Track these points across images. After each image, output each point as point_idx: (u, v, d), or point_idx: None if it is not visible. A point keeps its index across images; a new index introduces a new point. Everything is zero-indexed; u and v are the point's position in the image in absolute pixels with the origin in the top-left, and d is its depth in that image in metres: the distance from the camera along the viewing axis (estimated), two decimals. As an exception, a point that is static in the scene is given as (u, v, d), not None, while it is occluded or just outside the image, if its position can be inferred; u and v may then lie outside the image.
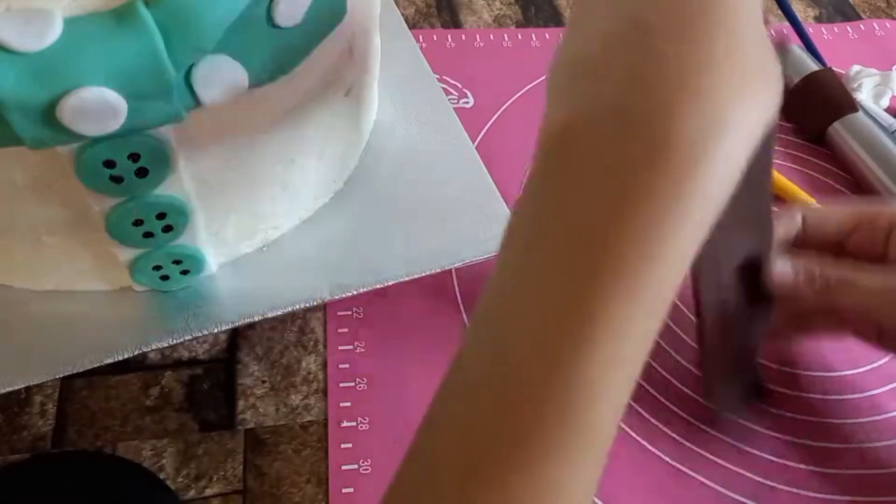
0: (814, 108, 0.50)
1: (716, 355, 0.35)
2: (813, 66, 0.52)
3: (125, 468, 0.34)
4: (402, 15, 0.48)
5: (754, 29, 0.22)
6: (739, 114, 0.20)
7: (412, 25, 0.56)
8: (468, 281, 0.42)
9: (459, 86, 0.52)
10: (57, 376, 0.30)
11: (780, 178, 0.48)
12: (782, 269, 0.33)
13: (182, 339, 0.32)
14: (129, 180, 0.26)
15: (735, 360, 0.36)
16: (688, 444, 0.37)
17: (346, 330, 0.39)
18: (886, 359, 0.41)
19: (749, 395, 0.37)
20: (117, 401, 0.36)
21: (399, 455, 0.35)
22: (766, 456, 0.37)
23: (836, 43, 0.59)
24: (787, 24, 0.59)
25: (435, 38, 0.55)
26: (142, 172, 0.26)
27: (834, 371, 0.40)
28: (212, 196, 0.31)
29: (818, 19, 0.62)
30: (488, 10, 0.58)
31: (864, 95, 0.53)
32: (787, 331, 0.37)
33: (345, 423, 0.36)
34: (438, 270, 0.35)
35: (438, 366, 0.38)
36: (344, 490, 0.34)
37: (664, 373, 0.39)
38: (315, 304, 0.34)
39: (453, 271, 0.42)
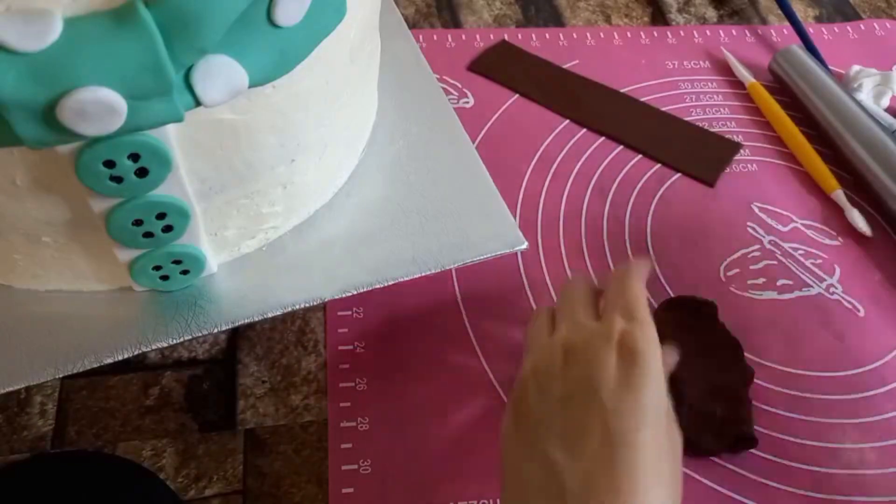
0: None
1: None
2: (814, 66, 0.53)
3: (125, 468, 0.34)
4: (402, 15, 0.48)
5: None
6: None
7: (412, 25, 0.56)
8: (468, 281, 0.42)
9: (459, 86, 0.52)
10: (57, 376, 0.30)
11: (813, 157, 0.49)
12: None
13: (182, 339, 0.32)
14: (128, 180, 0.26)
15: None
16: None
17: (346, 330, 0.39)
18: (885, 359, 0.41)
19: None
20: (117, 401, 0.36)
21: (399, 455, 0.35)
22: (765, 456, 0.37)
23: (836, 43, 0.59)
24: (787, 24, 0.59)
25: (435, 38, 0.55)
26: (142, 172, 0.26)
27: (834, 371, 0.40)
28: (212, 196, 0.31)
29: (818, 19, 0.62)
30: (488, 10, 0.58)
31: (864, 95, 0.53)
32: None
33: (345, 423, 0.36)
34: (438, 270, 0.35)
35: (439, 366, 0.39)
36: (344, 490, 0.34)
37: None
38: (315, 304, 0.34)
39: (453, 271, 0.42)
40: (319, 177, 0.36)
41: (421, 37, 0.55)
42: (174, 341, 0.32)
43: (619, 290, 0.31)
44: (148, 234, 0.29)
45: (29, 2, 0.21)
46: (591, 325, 0.30)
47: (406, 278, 0.35)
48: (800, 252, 0.45)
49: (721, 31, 0.59)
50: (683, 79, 0.55)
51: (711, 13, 0.61)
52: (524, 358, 0.32)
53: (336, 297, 0.34)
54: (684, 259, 0.44)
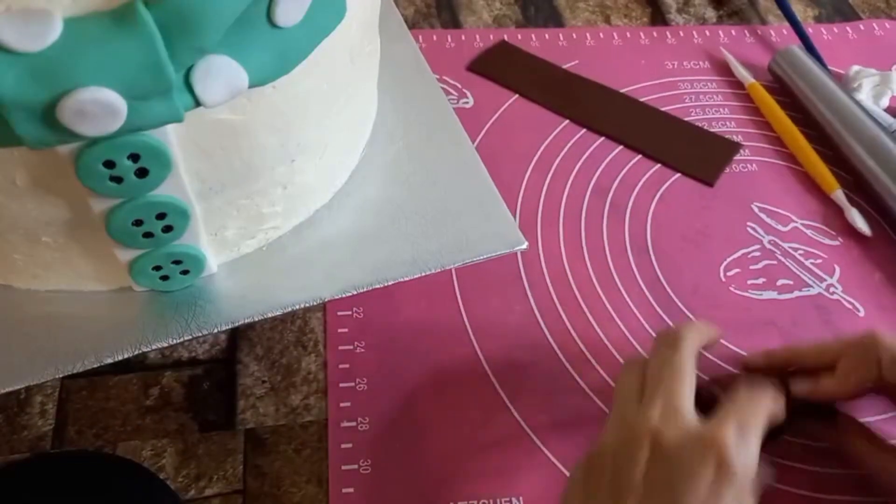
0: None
1: None
2: (813, 67, 0.53)
3: (125, 468, 0.34)
4: (402, 15, 0.48)
5: None
6: None
7: (412, 26, 0.56)
8: (468, 281, 0.42)
9: (459, 86, 0.52)
10: (57, 376, 0.30)
11: (813, 157, 0.49)
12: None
13: (182, 339, 0.32)
14: (128, 180, 0.26)
15: None
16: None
17: (346, 330, 0.39)
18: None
19: None
20: (117, 401, 0.36)
21: (399, 456, 0.35)
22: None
23: (835, 43, 0.59)
24: (786, 24, 0.59)
25: (435, 38, 0.55)
26: (142, 173, 0.26)
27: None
28: (212, 196, 0.31)
29: (818, 19, 0.62)
30: (488, 11, 0.58)
31: (863, 96, 0.53)
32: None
33: (345, 424, 0.36)
34: (438, 270, 0.35)
35: (438, 366, 0.39)
36: (344, 490, 0.34)
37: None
38: (315, 304, 0.34)
39: (453, 271, 0.42)
40: (319, 177, 0.36)
41: (420, 37, 0.55)
42: (174, 341, 0.32)
43: (745, 400, 0.29)
44: (148, 235, 0.29)
45: (29, 2, 0.21)
46: (691, 423, 0.28)
47: (406, 278, 0.35)
48: (800, 252, 0.45)
49: (720, 32, 0.59)
50: (683, 79, 0.55)
51: (711, 13, 0.61)
52: (610, 417, 0.31)
53: (336, 297, 0.34)
54: (684, 259, 0.44)
